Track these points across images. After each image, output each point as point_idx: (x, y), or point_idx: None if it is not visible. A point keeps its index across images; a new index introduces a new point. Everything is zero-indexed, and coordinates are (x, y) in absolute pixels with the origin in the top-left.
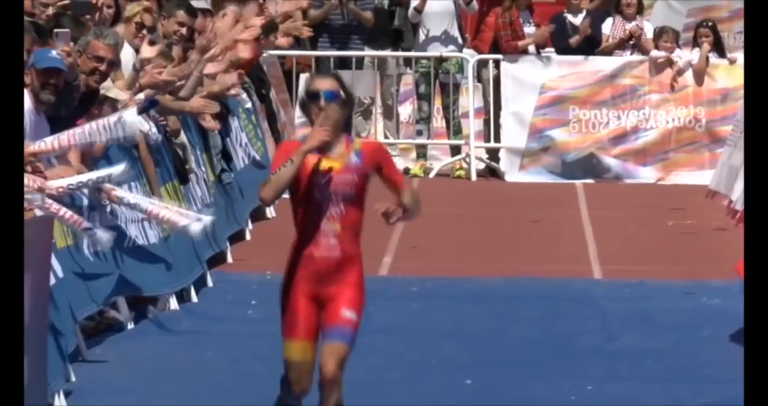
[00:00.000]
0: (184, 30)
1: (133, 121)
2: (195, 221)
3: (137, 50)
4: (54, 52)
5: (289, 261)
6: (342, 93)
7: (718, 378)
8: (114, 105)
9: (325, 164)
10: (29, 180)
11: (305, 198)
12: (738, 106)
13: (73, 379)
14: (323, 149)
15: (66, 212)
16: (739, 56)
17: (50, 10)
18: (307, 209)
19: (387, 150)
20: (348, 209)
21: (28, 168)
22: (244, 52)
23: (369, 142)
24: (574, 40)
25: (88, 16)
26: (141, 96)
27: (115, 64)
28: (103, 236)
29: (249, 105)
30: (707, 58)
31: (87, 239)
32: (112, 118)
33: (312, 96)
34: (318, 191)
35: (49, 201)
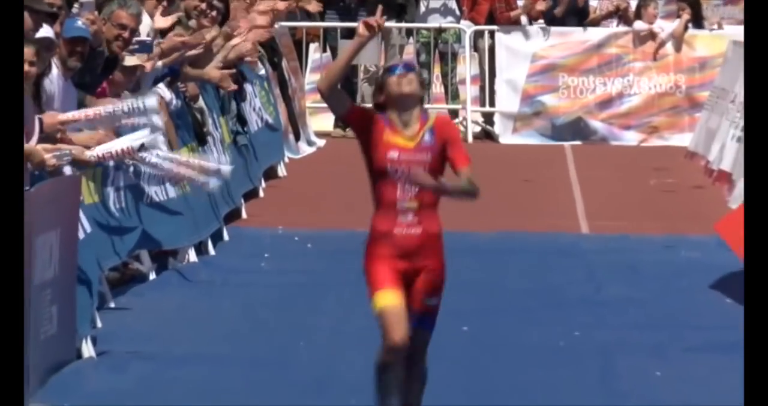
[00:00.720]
0: (203, 5)
1: (153, 106)
2: (215, 172)
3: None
4: (80, 22)
5: (369, 236)
6: (415, 67)
7: (697, 325)
8: (133, 72)
9: (400, 141)
10: (65, 147)
11: (381, 175)
12: (715, 73)
13: (100, 325)
14: (399, 127)
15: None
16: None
17: None
18: (384, 186)
19: (456, 127)
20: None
21: (59, 135)
22: (261, 21)
23: (441, 117)
24: (558, 10)
25: None
26: (160, 64)
27: (136, 32)
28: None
29: (262, 72)
30: (686, 28)
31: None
32: (135, 103)
33: (389, 69)
34: (393, 169)
35: (97, 154)
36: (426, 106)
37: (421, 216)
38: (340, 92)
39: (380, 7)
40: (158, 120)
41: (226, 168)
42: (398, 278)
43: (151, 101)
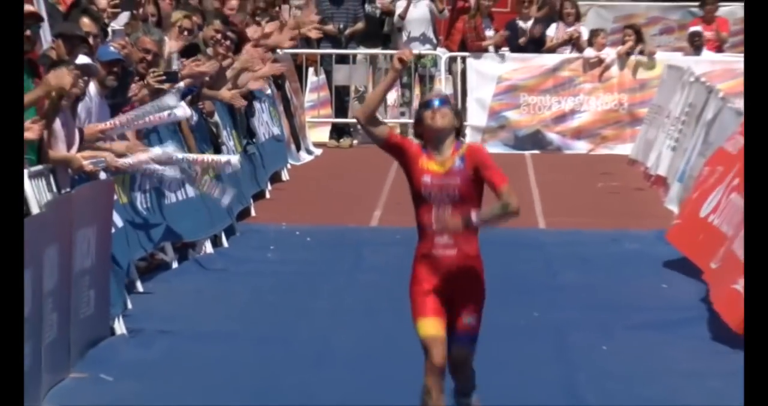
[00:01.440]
0: (219, 35)
1: (173, 102)
2: (226, 163)
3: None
4: (112, 47)
5: (414, 257)
6: (451, 101)
7: (638, 306)
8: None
9: (432, 167)
10: (103, 155)
11: (419, 200)
12: (653, 93)
13: (130, 307)
14: (434, 155)
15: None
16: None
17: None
18: (422, 209)
19: (487, 152)
20: (458, 211)
21: (97, 144)
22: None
23: (472, 144)
24: (522, 40)
25: (135, 12)
26: (181, 84)
27: (158, 55)
28: (168, 172)
29: (269, 92)
30: (629, 53)
31: (155, 178)
32: (158, 102)
33: (425, 104)
34: (427, 193)
35: (127, 162)
36: (408, 120)
37: (457, 238)
38: (376, 120)
39: (411, 50)
40: (181, 112)
41: (235, 158)
42: (439, 302)
43: (170, 98)
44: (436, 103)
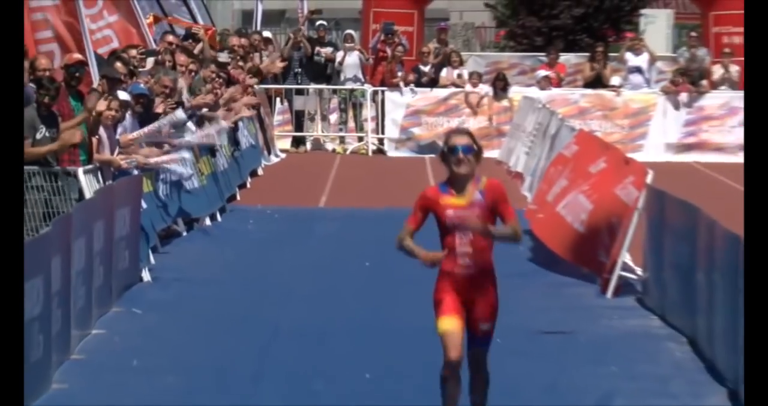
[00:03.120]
0: (213, 75)
1: (183, 116)
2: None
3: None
4: (141, 85)
5: (438, 274)
6: (475, 146)
7: (503, 262)
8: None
9: (454, 202)
10: (134, 157)
11: (444, 227)
12: (513, 115)
13: (153, 262)
14: (456, 190)
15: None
16: (517, 91)
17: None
18: (447, 235)
19: (504, 188)
20: (475, 236)
21: (129, 149)
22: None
23: (492, 181)
24: (424, 79)
25: (158, 57)
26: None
27: (173, 89)
28: (177, 168)
29: (248, 114)
30: (496, 92)
31: (169, 172)
32: (172, 117)
33: (451, 150)
34: (451, 223)
35: (152, 161)
36: (344, 134)
37: (475, 258)
38: (405, 242)
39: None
40: (190, 125)
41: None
42: (459, 306)
43: (180, 113)
44: (461, 151)
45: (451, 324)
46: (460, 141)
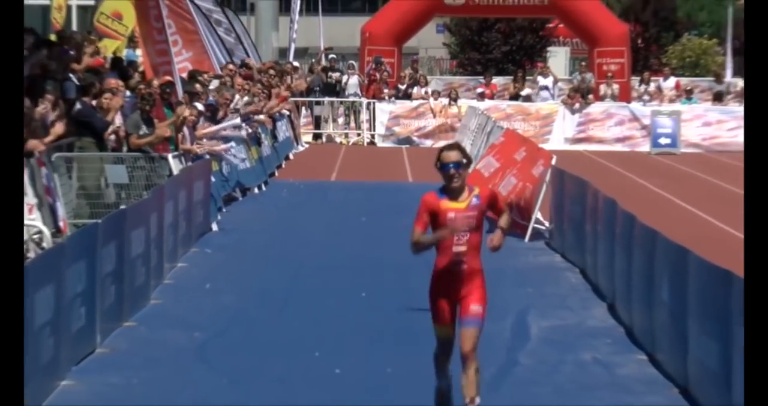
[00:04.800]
0: (259, 90)
1: (238, 122)
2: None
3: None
4: (211, 97)
5: (433, 271)
6: (464, 159)
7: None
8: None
9: (454, 205)
10: (206, 146)
11: (442, 228)
12: (462, 118)
13: (219, 218)
14: (453, 196)
15: (214, 147)
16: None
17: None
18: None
19: (498, 193)
20: (470, 236)
21: (201, 142)
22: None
23: (486, 188)
24: (401, 94)
25: (221, 79)
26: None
27: (231, 101)
28: (231, 151)
29: (286, 114)
30: (450, 103)
31: (223, 150)
32: (233, 122)
33: (443, 166)
34: (450, 223)
35: (215, 150)
36: (347, 131)
37: (467, 256)
38: (420, 246)
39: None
40: (243, 126)
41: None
42: (451, 309)
43: (236, 120)
44: (452, 168)
45: (446, 333)
46: (451, 158)
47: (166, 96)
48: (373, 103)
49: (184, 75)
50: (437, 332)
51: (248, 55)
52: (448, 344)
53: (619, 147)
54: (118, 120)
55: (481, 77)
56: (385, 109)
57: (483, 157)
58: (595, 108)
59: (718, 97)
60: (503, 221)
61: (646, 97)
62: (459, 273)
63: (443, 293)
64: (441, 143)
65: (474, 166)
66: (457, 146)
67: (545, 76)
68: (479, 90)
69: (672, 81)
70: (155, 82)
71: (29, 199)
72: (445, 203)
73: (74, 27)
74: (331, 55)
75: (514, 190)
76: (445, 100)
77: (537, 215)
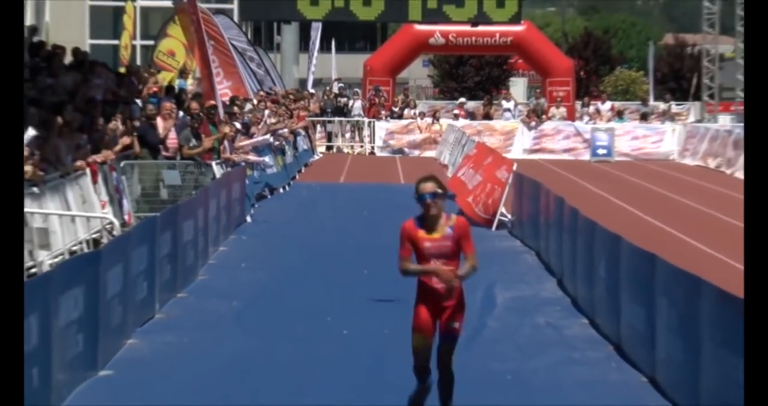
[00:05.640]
0: (283, 111)
1: (269, 139)
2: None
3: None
4: (246, 118)
5: (417, 289)
6: (440, 189)
7: None
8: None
9: (429, 235)
10: (241, 156)
11: (421, 255)
12: (443, 133)
13: (252, 212)
14: (430, 226)
15: (249, 156)
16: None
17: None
18: (424, 261)
19: (469, 228)
20: (447, 261)
21: (239, 151)
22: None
23: (461, 219)
24: (395, 115)
25: (254, 103)
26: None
27: (262, 120)
28: (263, 160)
29: (303, 133)
30: (433, 122)
31: (257, 161)
32: (265, 139)
33: (420, 197)
34: (427, 251)
35: (250, 159)
36: (353, 143)
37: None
38: (407, 274)
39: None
40: (272, 140)
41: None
42: (431, 320)
43: (267, 138)
44: (428, 199)
45: (422, 341)
46: (427, 189)
47: (210, 116)
48: (373, 121)
49: (225, 100)
50: (415, 340)
51: (275, 84)
52: (424, 350)
53: (565, 156)
54: (173, 135)
55: (458, 102)
56: (382, 127)
57: (462, 167)
58: (547, 125)
59: (644, 117)
60: (468, 263)
61: (586, 117)
62: (438, 290)
63: (426, 307)
64: (427, 153)
65: (455, 173)
66: (432, 178)
67: (508, 100)
68: (456, 112)
69: (608, 104)
70: (196, 105)
71: (102, 196)
72: (422, 234)
73: (138, 62)
74: (340, 85)
75: (482, 187)
76: (429, 120)
77: (502, 209)
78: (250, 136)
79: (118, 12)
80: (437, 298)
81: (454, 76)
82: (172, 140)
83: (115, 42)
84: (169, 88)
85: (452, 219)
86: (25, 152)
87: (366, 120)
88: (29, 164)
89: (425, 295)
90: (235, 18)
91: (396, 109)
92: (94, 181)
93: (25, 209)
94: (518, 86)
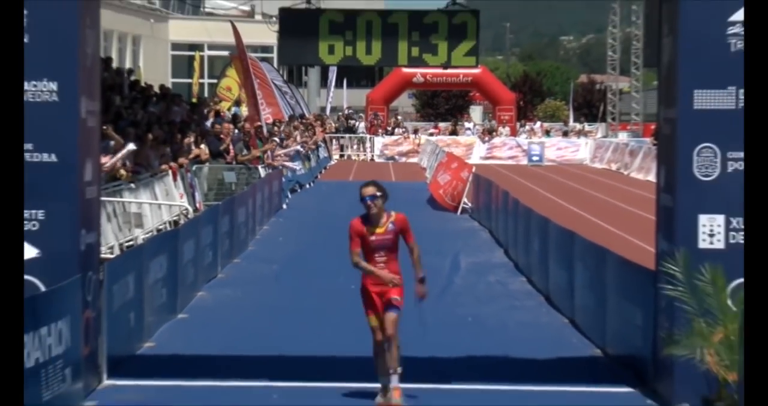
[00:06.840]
0: (303, 129)
1: (298, 149)
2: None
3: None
4: (282, 134)
5: (362, 278)
6: (378, 192)
7: (415, 208)
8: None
9: (373, 230)
10: (279, 162)
11: (368, 247)
12: (423, 145)
13: (287, 202)
14: (374, 222)
15: (284, 162)
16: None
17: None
18: (368, 253)
19: (408, 222)
20: (388, 252)
21: (277, 158)
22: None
23: (400, 215)
24: (388, 132)
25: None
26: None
27: (292, 136)
28: (294, 165)
29: (321, 144)
30: (416, 137)
31: (290, 167)
32: (293, 149)
33: (362, 199)
34: (372, 244)
35: (283, 164)
36: (356, 152)
37: (387, 264)
38: (361, 264)
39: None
40: (301, 149)
41: (297, 150)
42: (377, 302)
43: (298, 148)
44: (368, 200)
45: (374, 322)
46: (367, 192)
47: (257, 133)
48: (373, 137)
49: (269, 121)
50: (370, 321)
51: (302, 111)
52: (378, 329)
53: (510, 162)
54: (231, 146)
55: (433, 123)
56: (379, 141)
57: (438, 171)
58: (497, 140)
59: (565, 134)
60: (415, 250)
61: (524, 134)
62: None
63: (372, 291)
64: (411, 160)
65: (435, 177)
66: (372, 183)
67: (469, 122)
68: (431, 130)
69: (539, 125)
70: (248, 125)
71: (180, 190)
72: (368, 229)
73: (205, 94)
74: (349, 111)
75: (450, 184)
76: (413, 136)
77: (464, 199)
78: (285, 148)
79: (191, 59)
80: (378, 282)
81: (431, 105)
82: (231, 150)
83: (189, 81)
84: (232, 115)
85: (392, 216)
86: (119, 163)
87: (368, 136)
88: (123, 169)
89: (371, 282)
90: (275, 63)
91: (389, 129)
92: (174, 180)
93: (125, 199)
94: (476, 112)
